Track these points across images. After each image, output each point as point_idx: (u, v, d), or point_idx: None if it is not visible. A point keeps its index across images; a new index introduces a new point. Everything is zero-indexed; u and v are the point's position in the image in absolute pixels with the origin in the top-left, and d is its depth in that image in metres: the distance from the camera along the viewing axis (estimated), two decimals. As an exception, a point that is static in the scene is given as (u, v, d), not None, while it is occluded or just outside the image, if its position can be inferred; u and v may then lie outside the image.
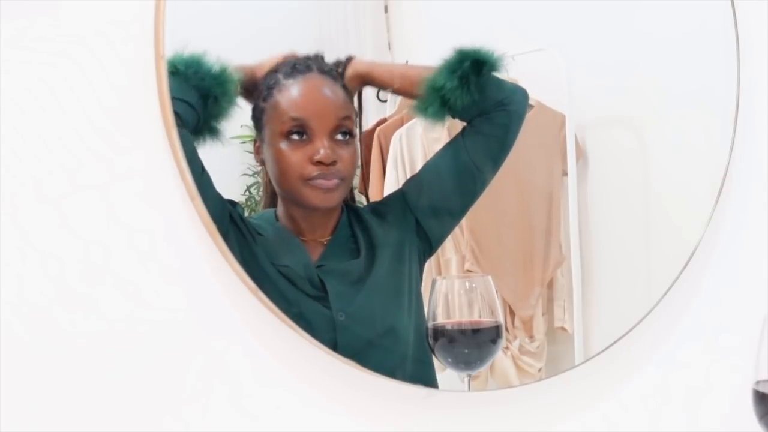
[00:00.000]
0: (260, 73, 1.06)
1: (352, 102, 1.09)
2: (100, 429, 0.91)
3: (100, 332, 0.91)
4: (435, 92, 1.08)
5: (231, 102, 1.00)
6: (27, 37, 0.88)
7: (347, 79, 1.09)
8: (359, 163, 1.09)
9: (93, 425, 0.91)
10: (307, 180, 1.02)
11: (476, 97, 1.09)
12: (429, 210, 1.13)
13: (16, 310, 0.87)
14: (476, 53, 1.09)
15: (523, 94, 1.14)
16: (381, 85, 1.14)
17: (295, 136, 1.03)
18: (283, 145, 1.03)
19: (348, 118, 1.06)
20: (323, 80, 1.06)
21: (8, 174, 0.87)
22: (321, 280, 1.05)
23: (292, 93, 1.04)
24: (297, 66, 1.06)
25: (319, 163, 1.02)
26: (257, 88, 1.05)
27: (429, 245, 1.14)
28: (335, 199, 1.06)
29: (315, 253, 1.08)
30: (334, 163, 1.03)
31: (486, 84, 1.09)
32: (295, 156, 1.02)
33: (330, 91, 1.07)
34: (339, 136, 1.04)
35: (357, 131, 1.07)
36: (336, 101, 1.06)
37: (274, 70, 1.05)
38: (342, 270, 1.07)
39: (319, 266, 1.06)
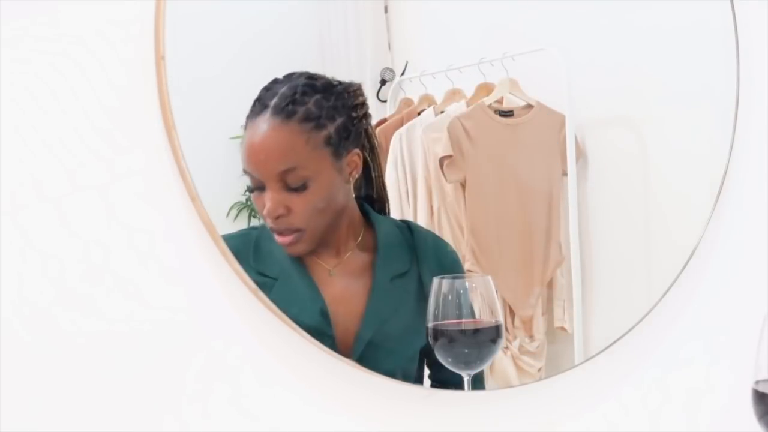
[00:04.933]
0: None
1: (312, 146, 0.98)
2: (101, 429, 0.91)
3: (100, 332, 0.91)
4: None
5: None
6: (27, 37, 0.88)
7: None
8: (322, 205, 1.01)
9: (93, 425, 0.91)
10: (272, 231, 1.01)
11: None
12: None
13: (16, 310, 0.87)
14: None
15: None
16: None
17: (253, 186, 0.99)
18: (253, 194, 1.00)
19: (291, 171, 0.97)
20: (272, 124, 0.97)
21: (8, 174, 0.87)
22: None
23: (245, 140, 0.99)
24: (261, 100, 0.98)
25: (267, 216, 0.99)
26: None
27: None
28: (300, 249, 1.03)
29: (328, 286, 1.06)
30: (281, 216, 0.98)
31: None
32: (258, 206, 1.00)
33: (274, 140, 0.98)
34: (290, 185, 0.98)
35: (318, 176, 0.99)
36: (277, 152, 0.98)
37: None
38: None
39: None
